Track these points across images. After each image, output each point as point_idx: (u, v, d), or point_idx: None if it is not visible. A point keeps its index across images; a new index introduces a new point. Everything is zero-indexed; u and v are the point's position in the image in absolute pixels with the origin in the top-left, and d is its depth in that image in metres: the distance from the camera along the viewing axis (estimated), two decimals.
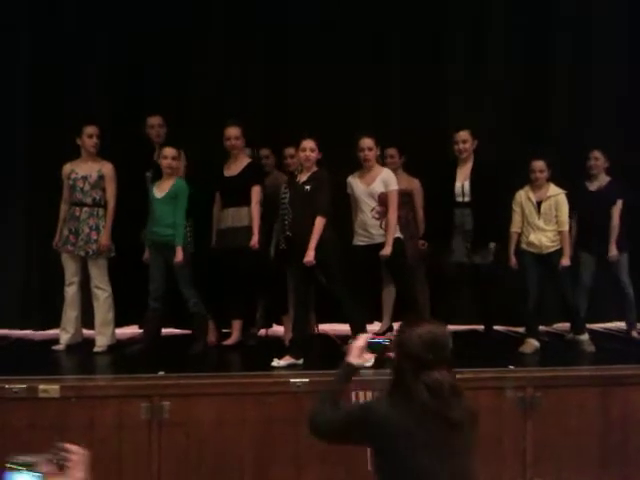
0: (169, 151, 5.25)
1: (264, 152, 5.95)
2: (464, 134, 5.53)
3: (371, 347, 2.66)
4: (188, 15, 6.34)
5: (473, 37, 6.77)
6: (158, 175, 5.35)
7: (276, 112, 6.50)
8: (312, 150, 4.88)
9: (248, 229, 5.39)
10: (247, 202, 5.43)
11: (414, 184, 5.88)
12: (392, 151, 5.80)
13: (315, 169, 4.92)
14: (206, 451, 4.18)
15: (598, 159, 6.01)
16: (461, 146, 5.52)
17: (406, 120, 6.60)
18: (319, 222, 4.77)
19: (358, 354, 2.63)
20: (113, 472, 4.08)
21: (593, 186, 6.07)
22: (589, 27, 6.84)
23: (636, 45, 6.81)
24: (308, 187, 4.86)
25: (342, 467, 4.26)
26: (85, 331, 5.68)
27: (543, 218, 5.43)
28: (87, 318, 5.58)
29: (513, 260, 5.56)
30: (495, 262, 5.58)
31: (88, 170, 5.31)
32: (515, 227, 5.56)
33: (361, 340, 2.66)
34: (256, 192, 5.45)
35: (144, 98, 6.21)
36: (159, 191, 5.29)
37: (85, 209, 5.30)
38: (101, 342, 5.33)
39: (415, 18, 6.66)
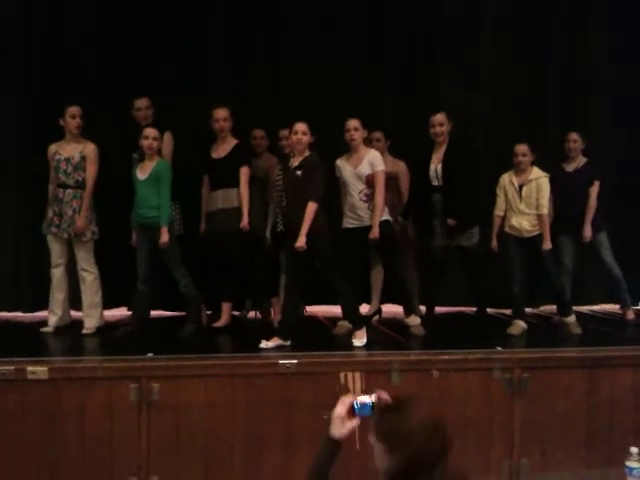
0: (150, 131, 5.23)
1: (258, 133, 5.91)
2: (440, 117, 5.53)
3: (359, 412, 2.31)
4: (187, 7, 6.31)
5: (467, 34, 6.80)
6: (144, 157, 5.32)
7: (268, 94, 6.46)
8: (304, 133, 4.84)
9: (238, 210, 5.39)
10: (236, 183, 5.43)
11: (400, 167, 5.87)
12: (378, 134, 5.78)
13: (307, 153, 4.89)
14: (195, 433, 4.19)
15: (576, 141, 6.04)
16: (437, 129, 5.52)
17: (396, 105, 6.60)
18: (311, 207, 4.75)
19: (340, 425, 2.28)
20: (103, 454, 4.10)
21: (570, 167, 6.10)
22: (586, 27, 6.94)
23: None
24: (299, 172, 4.83)
25: None
26: (74, 313, 5.66)
27: (525, 202, 5.45)
28: (76, 300, 5.55)
29: (494, 243, 5.61)
30: (481, 244, 5.62)
31: (71, 151, 5.27)
32: (498, 210, 5.60)
33: (342, 407, 2.29)
34: (244, 173, 5.45)
35: (132, 80, 6.13)
36: (142, 173, 5.26)
37: (68, 191, 5.25)
38: (89, 324, 5.31)
39: (408, 13, 6.67)
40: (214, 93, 6.24)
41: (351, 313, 5.01)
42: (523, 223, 5.46)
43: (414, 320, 5.37)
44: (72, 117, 5.23)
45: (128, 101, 5.74)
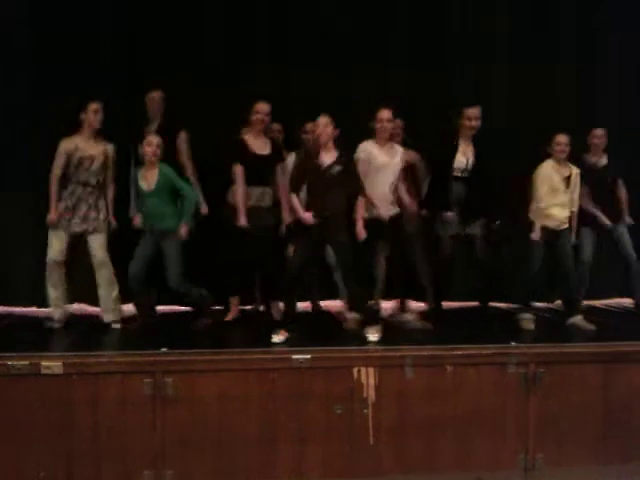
0: (154, 139, 5.09)
1: (276, 127, 5.83)
2: (478, 111, 5.40)
3: None
4: None
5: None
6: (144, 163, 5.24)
7: (281, 87, 6.45)
8: (326, 125, 4.84)
9: (271, 209, 5.43)
10: (271, 182, 5.45)
11: (412, 157, 5.81)
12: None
13: (338, 150, 4.89)
14: (209, 427, 4.20)
15: (600, 137, 6.04)
16: (474, 123, 5.39)
17: (409, 96, 6.58)
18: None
19: None
20: (117, 448, 4.12)
21: (594, 162, 6.06)
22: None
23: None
24: (338, 168, 4.83)
25: (346, 442, 4.29)
26: (90, 308, 5.66)
27: (564, 194, 5.43)
28: (92, 294, 5.52)
29: (538, 234, 5.41)
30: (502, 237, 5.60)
31: (93, 150, 5.21)
32: (540, 202, 5.44)
33: None
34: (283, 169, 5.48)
35: (146, 75, 6.12)
36: (146, 183, 5.12)
37: (88, 189, 5.23)
38: (108, 318, 5.29)
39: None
40: (220, 72, 6.24)
41: (363, 307, 5.00)
42: (561, 215, 5.42)
43: (411, 315, 5.47)
44: (94, 112, 5.15)
45: (137, 97, 5.75)
